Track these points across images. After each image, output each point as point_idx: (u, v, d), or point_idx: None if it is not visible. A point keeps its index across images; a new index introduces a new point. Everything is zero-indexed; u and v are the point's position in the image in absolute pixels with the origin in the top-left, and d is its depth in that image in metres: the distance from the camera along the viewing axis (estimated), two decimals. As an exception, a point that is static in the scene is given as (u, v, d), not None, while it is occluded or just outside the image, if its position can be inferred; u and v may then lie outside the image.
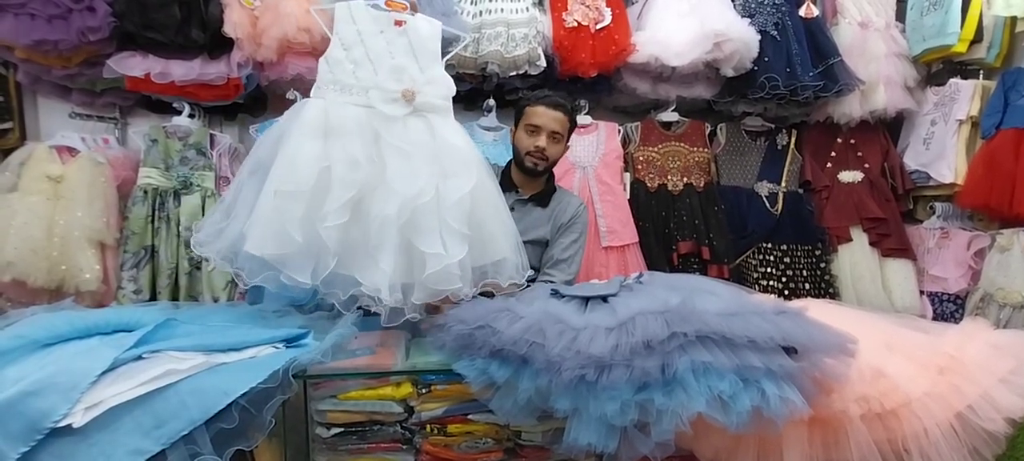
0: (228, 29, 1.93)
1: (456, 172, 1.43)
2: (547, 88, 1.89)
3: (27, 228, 1.85)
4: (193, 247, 1.44)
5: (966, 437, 1.20)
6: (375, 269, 1.34)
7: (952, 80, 2.33)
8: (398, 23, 1.48)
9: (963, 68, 2.37)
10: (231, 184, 1.49)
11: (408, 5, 1.50)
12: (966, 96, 2.27)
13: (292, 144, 1.37)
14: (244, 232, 1.33)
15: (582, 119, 2.35)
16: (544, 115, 1.66)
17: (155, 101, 2.18)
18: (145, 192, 2.04)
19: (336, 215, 1.33)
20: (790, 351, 1.16)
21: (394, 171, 1.39)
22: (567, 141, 1.73)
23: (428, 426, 1.41)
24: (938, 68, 2.44)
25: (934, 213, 2.39)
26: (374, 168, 1.39)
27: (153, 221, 2.04)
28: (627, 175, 2.38)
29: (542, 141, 1.65)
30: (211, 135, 2.17)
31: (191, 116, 2.14)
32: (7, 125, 2.15)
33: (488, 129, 2.32)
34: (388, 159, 1.40)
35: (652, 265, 2.26)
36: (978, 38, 2.23)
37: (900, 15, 2.45)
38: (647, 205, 2.34)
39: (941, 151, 2.31)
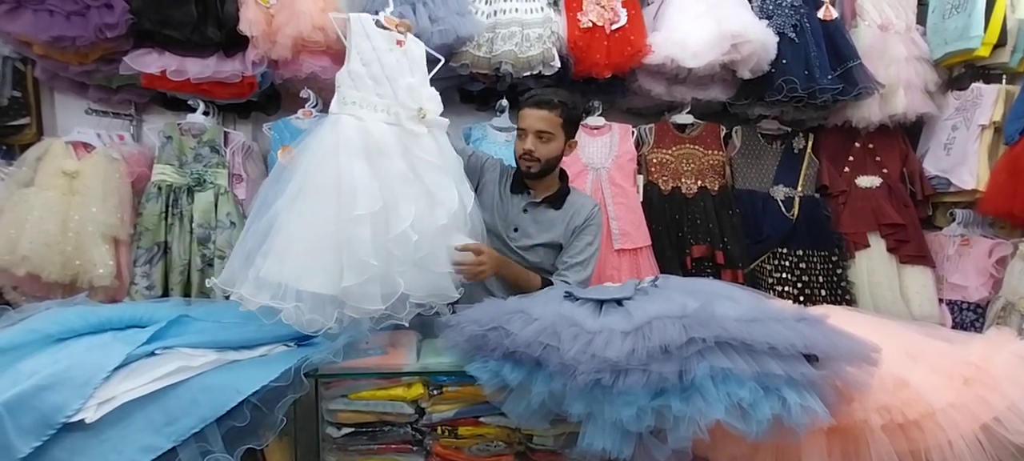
0: (243, 27, 1.93)
1: (461, 180, 1.56)
2: (553, 88, 1.87)
3: (42, 223, 1.86)
4: (219, 287, 1.34)
5: (992, 450, 1.17)
6: (427, 275, 1.42)
7: (974, 84, 2.29)
8: (399, 43, 1.53)
9: (986, 72, 2.33)
10: (254, 214, 1.40)
11: (407, 26, 1.57)
12: (989, 101, 2.23)
13: (342, 167, 1.36)
14: (297, 271, 1.27)
15: (595, 120, 2.34)
16: (529, 116, 1.62)
17: (170, 98, 2.19)
18: (159, 188, 2.05)
19: (407, 234, 1.34)
20: (811, 359, 1.13)
21: (434, 184, 1.45)
22: (568, 137, 1.67)
23: (439, 428, 1.40)
24: (960, 72, 2.39)
25: (954, 220, 2.35)
26: (416, 183, 1.45)
27: (166, 217, 2.04)
28: (640, 177, 2.36)
29: (528, 143, 1.62)
30: (225, 132, 2.18)
31: (206, 114, 2.15)
32: (24, 120, 2.17)
33: (500, 129, 2.30)
34: (423, 173, 1.45)
35: (665, 269, 2.23)
36: (1002, 42, 2.19)
37: (921, 18, 2.40)
38: (660, 208, 2.32)
39: (962, 157, 2.27)
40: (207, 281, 1.92)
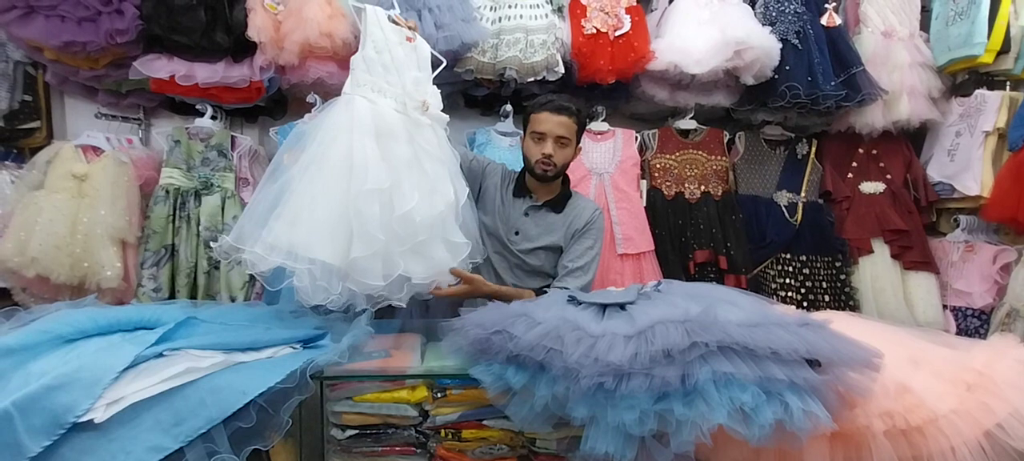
0: (252, 33, 1.95)
1: (457, 176, 1.60)
2: (565, 94, 1.89)
3: (52, 225, 1.89)
4: (225, 244, 1.36)
5: (995, 456, 1.16)
6: (424, 261, 1.44)
7: (978, 91, 2.29)
8: (409, 40, 1.61)
9: (989, 79, 2.33)
10: (265, 181, 1.45)
11: (414, 25, 1.65)
12: (992, 107, 2.23)
13: (355, 144, 1.40)
14: (307, 238, 1.31)
15: (599, 125, 2.35)
16: (548, 121, 1.64)
17: (178, 103, 2.22)
18: (167, 192, 2.07)
19: (411, 214, 1.37)
20: (813, 364, 1.14)
21: (433, 173, 1.50)
22: (578, 143, 1.71)
23: (442, 431, 1.41)
24: (963, 79, 2.39)
25: (958, 226, 2.35)
26: (418, 169, 1.49)
27: (174, 220, 2.06)
28: (644, 182, 2.37)
29: (548, 148, 1.64)
30: (232, 137, 2.20)
31: (213, 118, 2.18)
32: (35, 124, 2.20)
33: (505, 134, 2.32)
34: (424, 162, 1.50)
35: (668, 273, 2.24)
36: (1005, 49, 2.20)
37: (924, 25, 2.41)
38: (664, 213, 2.33)
39: (966, 163, 2.27)
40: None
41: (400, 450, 1.41)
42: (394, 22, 1.59)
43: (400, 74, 1.54)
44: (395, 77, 1.54)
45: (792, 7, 2.25)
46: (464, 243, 1.53)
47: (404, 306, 1.47)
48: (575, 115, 1.66)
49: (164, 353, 1.20)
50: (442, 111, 1.64)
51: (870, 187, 2.41)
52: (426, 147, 1.53)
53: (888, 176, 2.41)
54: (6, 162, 2.13)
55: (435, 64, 1.69)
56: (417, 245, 1.42)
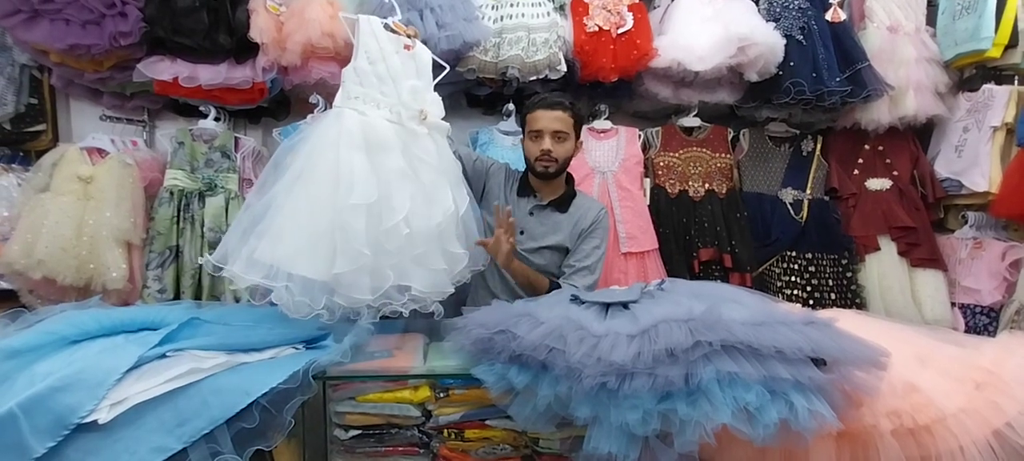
0: (254, 34, 1.96)
1: (458, 184, 1.58)
2: (559, 91, 1.88)
3: (58, 227, 1.90)
4: (212, 263, 1.34)
5: (1004, 455, 1.15)
6: (424, 272, 1.42)
7: (986, 86, 2.27)
8: (406, 48, 1.57)
9: (997, 74, 2.31)
10: (252, 196, 1.43)
11: (414, 32, 1.62)
12: (1001, 102, 2.21)
13: (342, 158, 1.38)
14: (290, 253, 1.30)
15: (602, 124, 2.34)
16: (543, 117, 1.65)
17: (182, 104, 2.23)
18: (171, 193, 2.08)
19: (398, 227, 1.36)
20: (819, 363, 1.13)
21: (430, 183, 1.47)
22: (577, 137, 1.71)
23: (445, 430, 1.41)
24: (971, 73, 2.37)
25: (966, 222, 2.32)
26: (413, 180, 1.46)
27: (178, 222, 2.07)
28: (647, 181, 2.36)
29: (546, 144, 1.64)
30: (235, 138, 2.21)
31: (217, 119, 2.18)
32: (40, 127, 2.21)
33: (507, 133, 2.31)
34: (421, 172, 1.47)
35: (672, 272, 2.23)
36: (1013, 43, 2.17)
37: (931, 19, 2.39)
38: (667, 211, 2.31)
39: (974, 159, 2.25)
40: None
41: (403, 450, 1.42)
42: (392, 30, 1.56)
43: (396, 84, 1.51)
44: (390, 87, 1.50)
45: (796, 3, 2.23)
46: (462, 254, 1.52)
47: (405, 315, 1.46)
48: (569, 108, 1.66)
49: (167, 354, 1.21)
50: (444, 117, 1.60)
51: (876, 184, 2.39)
52: (423, 157, 1.50)
53: (895, 172, 2.39)
54: (12, 165, 2.14)
55: (437, 70, 1.66)
56: (417, 257, 1.41)
